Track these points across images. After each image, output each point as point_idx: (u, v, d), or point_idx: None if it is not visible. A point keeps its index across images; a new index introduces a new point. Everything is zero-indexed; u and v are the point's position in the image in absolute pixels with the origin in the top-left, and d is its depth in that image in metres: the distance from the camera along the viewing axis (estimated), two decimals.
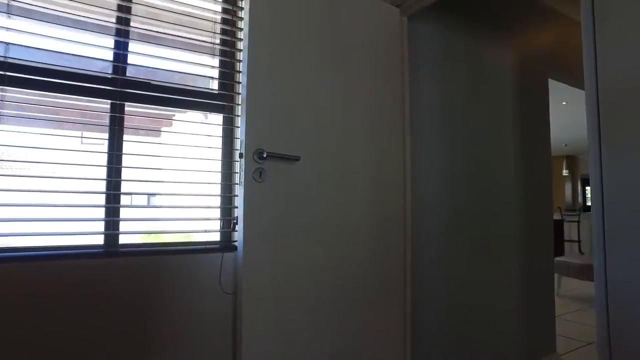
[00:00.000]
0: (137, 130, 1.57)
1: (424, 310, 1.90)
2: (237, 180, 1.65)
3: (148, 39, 1.56)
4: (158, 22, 1.57)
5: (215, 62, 1.71)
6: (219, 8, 1.71)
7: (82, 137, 1.48)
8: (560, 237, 6.33)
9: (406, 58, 1.90)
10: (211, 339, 1.50)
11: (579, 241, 6.64)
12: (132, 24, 1.53)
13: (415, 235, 1.87)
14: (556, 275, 4.15)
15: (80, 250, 1.37)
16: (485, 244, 2.18)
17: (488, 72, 2.32)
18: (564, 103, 5.52)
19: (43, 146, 1.34)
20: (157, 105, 1.57)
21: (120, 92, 1.48)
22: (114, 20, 1.50)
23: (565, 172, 10.06)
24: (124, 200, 1.53)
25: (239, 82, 1.68)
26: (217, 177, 1.67)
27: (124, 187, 1.47)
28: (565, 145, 9.12)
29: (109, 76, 1.47)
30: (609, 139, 1.10)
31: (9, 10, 1.33)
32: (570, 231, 6.79)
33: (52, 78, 1.37)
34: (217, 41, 1.70)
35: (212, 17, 1.70)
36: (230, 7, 1.71)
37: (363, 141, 1.72)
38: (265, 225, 1.42)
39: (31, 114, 1.37)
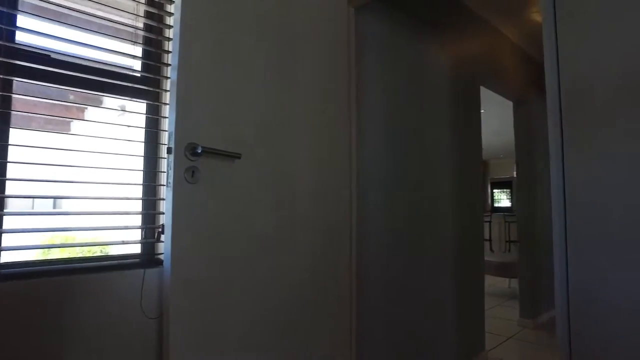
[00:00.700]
0: (33, 116, 1.24)
1: (366, 317, 1.81)
2: (163, 180, 1.39)
3: None
4: None
5: (139, 38, 1.42)
6: None
7: None
8: None
9: (353, 50, 1.80)
10: None
11: (490, 240, 7.25)
12: None
13: (358, 239, 1.77)
14: None
15: None
16: (421, 248, 2.16)
17: (427, 74, 2.32)
18: (483, 111, 5.92)
19: None
20: (60, 85, 1.25)
21: (5, 64, 1.14)
22: None
23: None
24: (11, 205, 1.20)
25: (169, 64, 1.42)
26: (139, 177, 1.39)
27: (9, 188, 1.13)
28: None
29: None
30: (571, 138, 1.10)
31: None
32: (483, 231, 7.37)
33: None
34: (141, 11, 1.42)
35: None
36: None
37: (309, 138, 1.57)
38: (197, 235, 1.20)
39: None
